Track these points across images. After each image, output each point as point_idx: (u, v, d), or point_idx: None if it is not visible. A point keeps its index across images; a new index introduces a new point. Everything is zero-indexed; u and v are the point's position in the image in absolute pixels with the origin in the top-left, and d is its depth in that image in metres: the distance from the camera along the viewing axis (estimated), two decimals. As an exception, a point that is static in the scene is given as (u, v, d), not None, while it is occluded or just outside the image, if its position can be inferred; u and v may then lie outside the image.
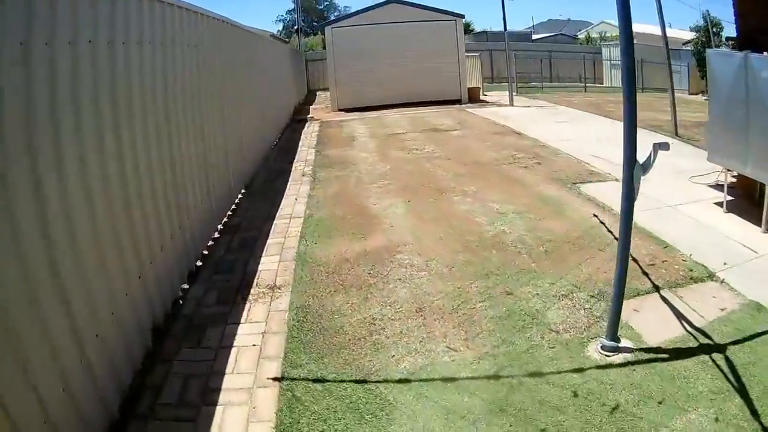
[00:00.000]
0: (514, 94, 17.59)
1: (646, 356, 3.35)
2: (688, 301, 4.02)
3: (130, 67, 3.58)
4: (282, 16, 53.02)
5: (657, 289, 4.24)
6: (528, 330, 3.68)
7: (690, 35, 21.16)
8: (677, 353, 3.36)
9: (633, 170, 2.87)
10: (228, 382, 3.24)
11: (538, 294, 4.18)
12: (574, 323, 3.75)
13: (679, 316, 3.83)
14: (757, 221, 5.40)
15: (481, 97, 19.47)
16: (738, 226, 5.50)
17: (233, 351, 3.57)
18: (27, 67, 2.36)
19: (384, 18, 17.88)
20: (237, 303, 4.27)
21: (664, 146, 2.92)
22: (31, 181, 2.36)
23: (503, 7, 16.87)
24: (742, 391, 2.97)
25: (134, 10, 3.71)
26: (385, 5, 18.19)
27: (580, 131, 11.52)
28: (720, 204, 6.06)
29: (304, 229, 5.94)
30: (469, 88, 18.78)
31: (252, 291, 4.47)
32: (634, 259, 4.54)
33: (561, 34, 38.20)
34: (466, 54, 19.08)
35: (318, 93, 25.04)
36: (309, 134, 13.22)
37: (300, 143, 12.01)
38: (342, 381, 3.19)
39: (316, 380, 3.20)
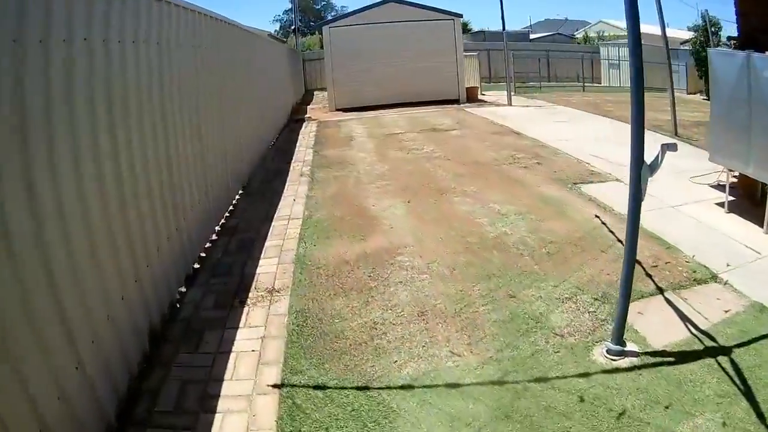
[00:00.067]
0: (512, 93, 17.55)
1: (652, 360, 3.31)
2: (692, 303, 3.98)
3: (125, 65, 3.51)
4: (279, 15, 52.92)
5: (661, 291, 4.20)
6: (532, 334, 3.63)
7: (687, 35, 21.17)
8: (683, 356, 3.33)
9: (641, 170, 2.82)
10: (227, 388, 3.18)
11: (541, 297, 4.13)
12: (578, 327, 3.70)
13: (684, 319, 3.79)
14: (758, 221, 5.37)
15: (479, 97, 19.43)
16: (740, 226, 5.46)
17: (232, 356, 3.51)
18: (20, 66, 2.29)
19: (381, 17, 17.81)
20: (235, 307, 4.21)
21: (672, 147, 2.87)
22: (24, 179, 2.30)
23: (501, 6, 16.82)
24: (748, 394, 2.94)
25: (131, 8, 3.64)
26: (382, 5, 18.10)
27: (579, 131, 11.49)
28: (721, 204, 6.03)
29: (303, 231, 5.87)
30: (468, 88, 18.75)
31: (250, 294, 4.41)
32: (638, 261, 4.49)
33: (558, 33, 38.18)
34: (464, 54, 19.03)
35: (315, 93, 25.00)
36: (307, 134, 13.16)
37: (298, 143, 11.94)
38: (343, 388, 3.13)
39: (317, 387, 3.14)
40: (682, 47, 20.80)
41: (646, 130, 2.93)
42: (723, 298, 4.05)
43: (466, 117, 14.75)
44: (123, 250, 3.28)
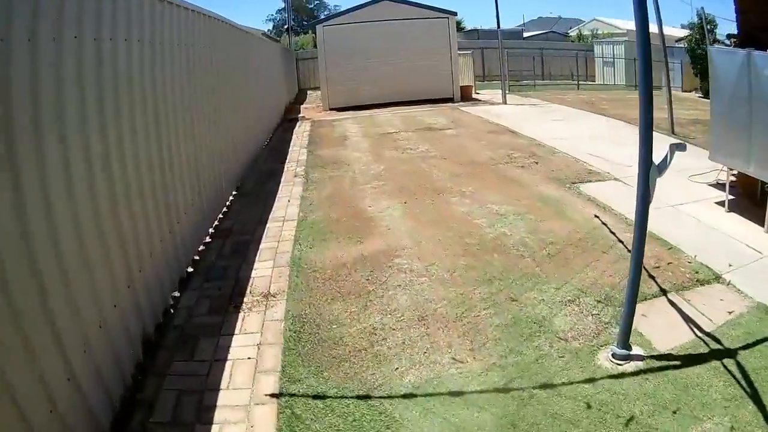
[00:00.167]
0: (506, 92, 17.50)
1: (658, 364, 3.25)
2: (695, 305, 3.94)
3: (117, 64, 3.40)
4: (272, 15, 52.84)
5: (664, 292, 4.14)
6: (536, 338, 3.55)
7: (682, 32, 21.22)
8: (689, 360, 3.28)
9: (650, 171, 2.75)
10: (223, 398, 3.07)
11: (543, 300, 4.05)
12: (582, 330, 3.63)
13: (688, 321, 3.74)
14: (759, 221, 5.34)
15: (474, 96, 19.39)
16: (740, 225, 5.43)
17: (228, 364, 3.40)
18: (9, 65, 2.20)
19: (375, 16, 17.71)
20: (230, 312, 4.10)
21: (682, 147, 2.81)
22: (10, 179, 2.19)
23: (496, 5, 16.80)
24: (755, 396, 2.90)
25: (122, 5, 3.53)
26: (376, 3, 17.97)
27: (575, 129, 11.45)
28: (721, 203, 5.99)
29: (298, 233, 5.77)
30: (462, 87, 18.70)
31: (245, 299, 4.30)
32: (640, 262, 4.45)
33: (552, 31, 38.23)
34: (458, 52, 18.97)
35: (309, 92, 24.83)
36: (301, 134, 13.04)
37: (292, 143, 11.83)
38: (344, 396, 3.04)
39: (316, 396, 3.05)
40: (677, 45, 20.85)
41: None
42: (726, 298, 4.01)
43: (461, 116, 14.69)
44: (115, 251, 3.17)
